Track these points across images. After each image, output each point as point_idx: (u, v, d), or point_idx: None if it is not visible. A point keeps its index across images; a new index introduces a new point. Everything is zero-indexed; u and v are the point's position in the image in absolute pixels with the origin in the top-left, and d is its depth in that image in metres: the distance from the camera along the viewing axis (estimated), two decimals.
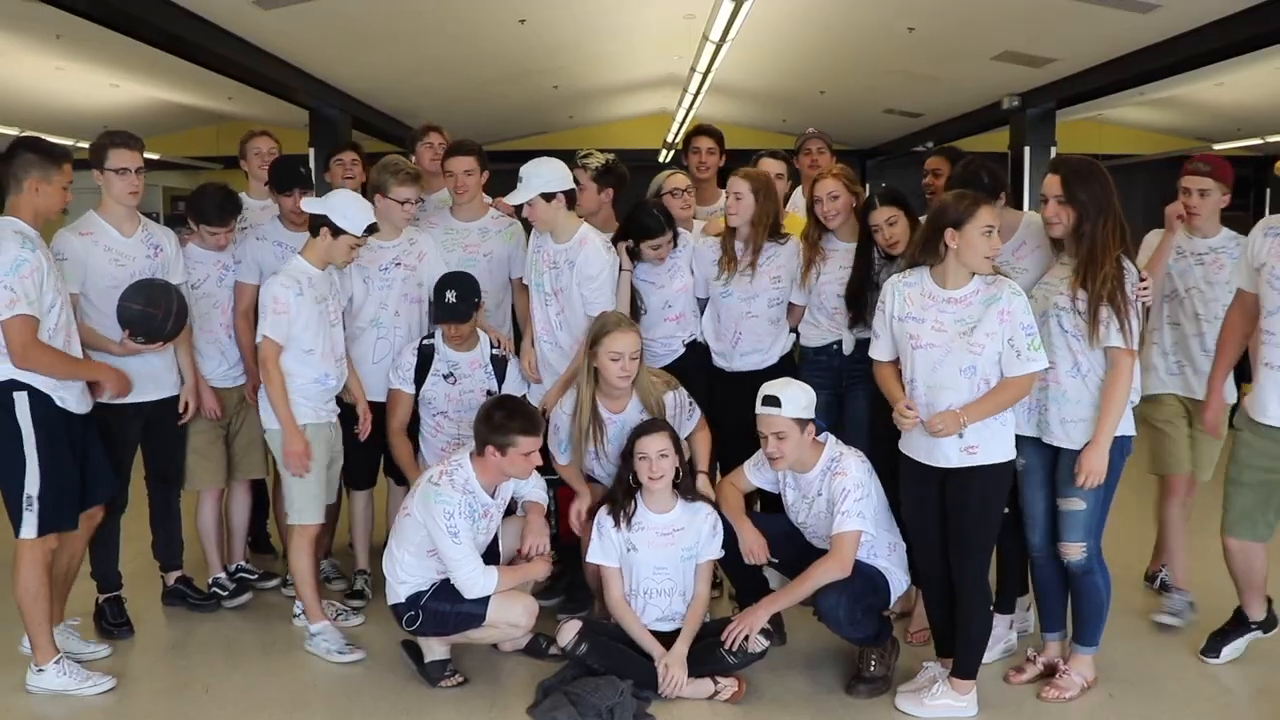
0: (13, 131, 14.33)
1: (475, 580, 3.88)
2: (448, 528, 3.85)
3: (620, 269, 4.58)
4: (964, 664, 3.81)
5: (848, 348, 4.60)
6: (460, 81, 11.88)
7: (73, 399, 3.95)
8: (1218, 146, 15.84)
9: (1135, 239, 4.03)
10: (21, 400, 3.80)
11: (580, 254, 4.44)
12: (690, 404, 4.41)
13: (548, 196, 4.38)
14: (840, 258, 4.57)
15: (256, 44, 8.87)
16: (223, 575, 4.90)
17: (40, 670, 3.95)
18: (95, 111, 13.57)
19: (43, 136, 4.06)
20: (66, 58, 10.91)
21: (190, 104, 13.91)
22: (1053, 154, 11.24)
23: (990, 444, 3.66)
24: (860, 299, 4.42)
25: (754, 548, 4.12)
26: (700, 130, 5.55)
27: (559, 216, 4.44)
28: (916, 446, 3.76)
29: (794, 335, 4.79)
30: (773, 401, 3.94)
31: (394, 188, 4.63)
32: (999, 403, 3.63)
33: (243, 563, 5.05)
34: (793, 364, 4.75)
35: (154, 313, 4.20)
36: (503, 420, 3.95)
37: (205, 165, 14.73)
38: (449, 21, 9.25)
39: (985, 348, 3.61)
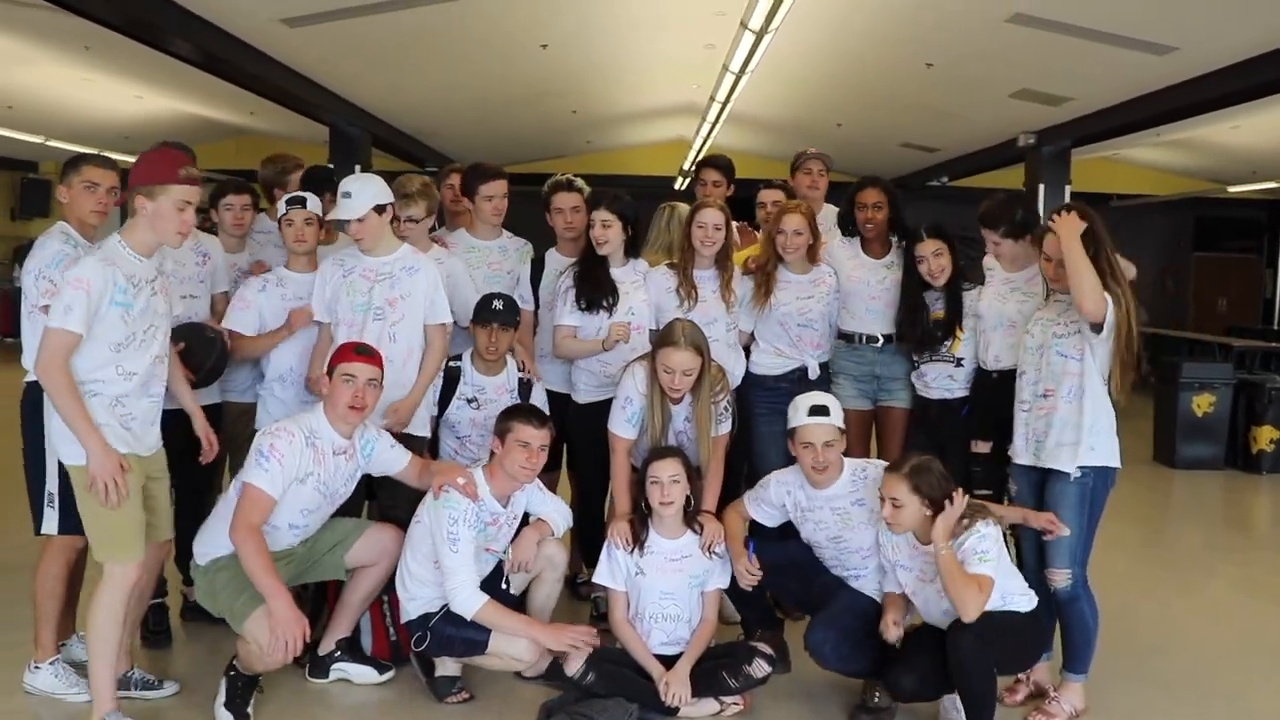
0: (36, 140, 14.50)
1: (463, 593, 3.88)
2: (449, 534, 3.89)
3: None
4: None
5: (813, 373, 4.78)
6: (480, 103, 11.98)
7: None
8: (1233, 189, 15.90)
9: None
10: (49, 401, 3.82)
11: (417, 261, 4.42)
12: (725, 411, 4.40)
13: (380, 209, 4.30)
14: (795, 288, 4.77)
15: (281, 60, 8.97)
16: None
17: (36, 668, 3.99)
18: (118, 122, 13.71)
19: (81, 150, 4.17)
20: (94, 69, 11.03)
21: (212, 117, 14.04)
22: (1067, 192, 11.29)
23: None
24: (916, 328, 4.60)
25: (745, 575, 4.14)
26: (708, 162, 5.56)
27: (385, 231, 4.35)
28: None
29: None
30: (822, 410, 4.02)
31: (402, 208, 4.67)
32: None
33: None
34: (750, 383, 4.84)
35: (191, 363, 4.22)
36: (513, 410, 4.12)
37: (224, 179, 14.84)
38: (472, 44, 9.34)
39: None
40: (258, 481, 3.75)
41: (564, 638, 3.95)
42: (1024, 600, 3.81)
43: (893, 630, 3.86)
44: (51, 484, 3.86)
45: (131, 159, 4.01)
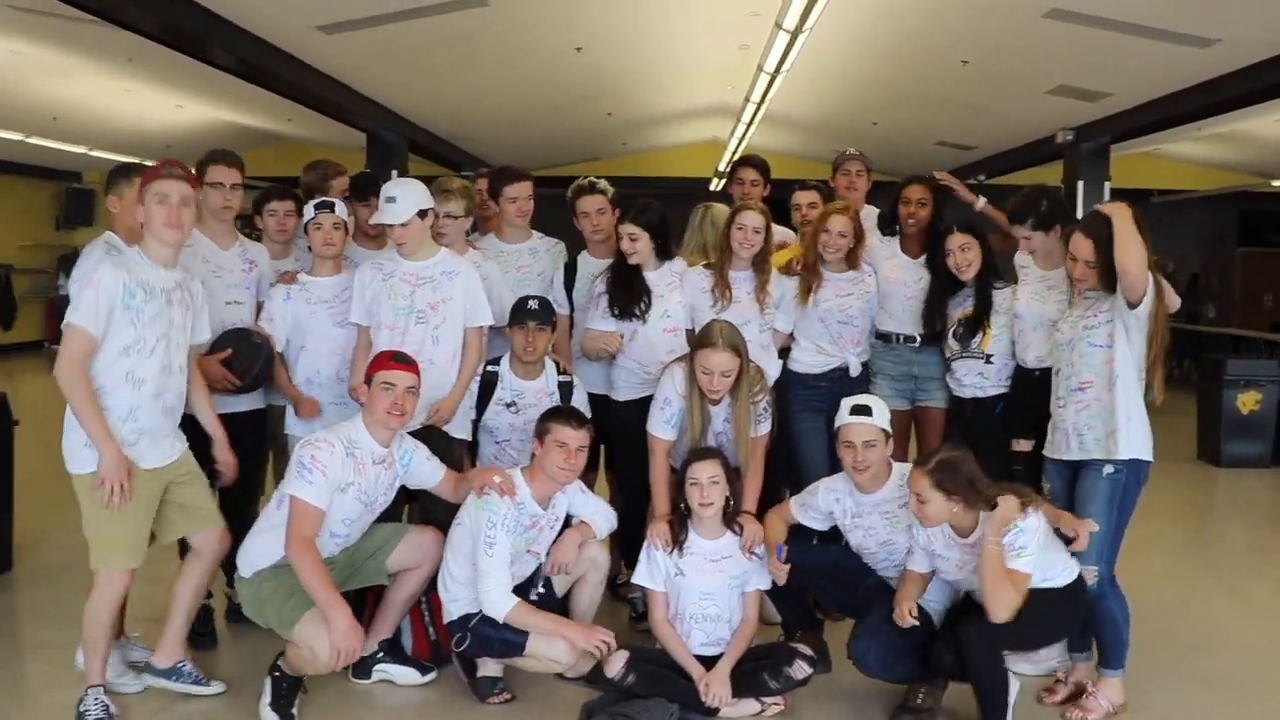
0: (80, 150, 14.73)
1: (493, 595, 3.91)
2: (486, 537, 3.91)
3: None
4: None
5: (854, 370, 4.79)
6: (516, 107, 12.03)
7: None
8: (1277, 183, 15.67)
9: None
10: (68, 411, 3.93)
11: (457, 265, 4.47)
12: (765, 411, 4.40)
13: (423, 213, 4.37)
14: (835, 286, 4.78)
15: (318, 67, 9.06)
16: None
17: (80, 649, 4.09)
18: (160, 132, 13.89)
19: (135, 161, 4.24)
20: (136, 80, 11.19)
21: (250, 125, 14.20)
22: (1107, 189, 11.18)
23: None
24: (937, 321, 4.63)
25: (775, 573, 4.14)
26: (745, 161, 5.56)
27: (426, 235, 4.43)
28: None
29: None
30: (864, 410, 4.02)
31: (440, 203, 4.69)
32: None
33: None
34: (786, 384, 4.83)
35: (235, 367, 4.29)
36: (552, 411, 4.14)
37: (263, 186, 15.00)
38: (506, 48, 9.39)
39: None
40: (303, 494, 3.79)
41: (593, 639, 3.96)
42: (1063, 575, 3.81)
43: (908, 619, 3.82)
44: None
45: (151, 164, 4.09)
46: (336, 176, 5.24)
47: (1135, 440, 3.90)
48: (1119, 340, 3.89)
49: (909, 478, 3.82)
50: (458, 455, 4.52)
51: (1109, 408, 3.90)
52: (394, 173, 11.61)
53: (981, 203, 5.06)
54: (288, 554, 3.77)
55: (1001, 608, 3.59)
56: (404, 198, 4.30)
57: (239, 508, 4.58)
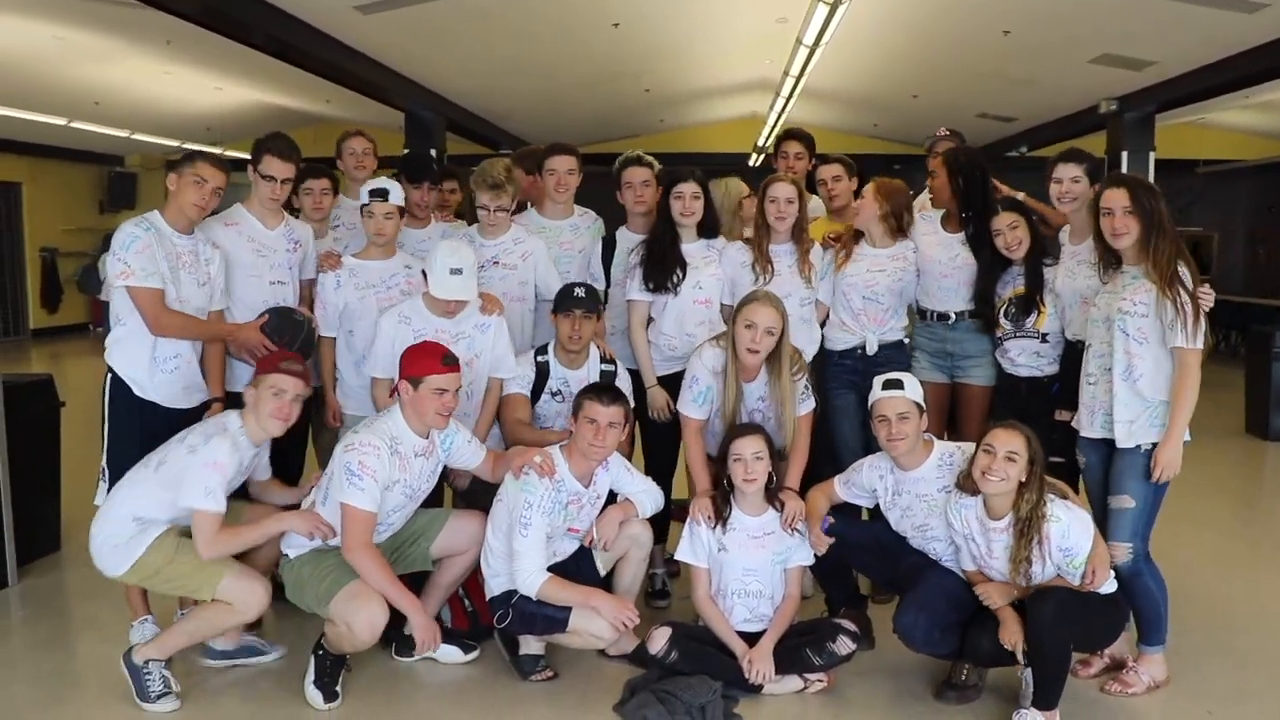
0: (121, 134, 14.87)
1: (524, 573, 3.93)
2: (521, 518, 3.92)
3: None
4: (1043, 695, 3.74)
5: (871, 348, 4.75)
6: (553, 84, 12.02)
7: (160, 393, 4.17)
8: None
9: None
10: (108, 383, 4.17)
11: (488, 319, 4.50)
12: (806, 390, 4.39)
13: None
14: (868, 261, 4.74)
15: (356, 48, 9.09)
16: None
17: (133, 626, 4.30)
18: (198, 114, 13.99)
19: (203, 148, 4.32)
20: (175, 62, 11.27)
21: (289, 106, 14.27)
22: (1151, 160, 11.04)
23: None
24: (989, 305, 4.58)
25: (816, 544, 4.15)
26: (789, 134, 5.55)
27: None
28: None
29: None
30: (895, 384, 4.02)
31: (477, 193, 4.73)
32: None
33: None
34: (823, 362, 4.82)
35: (277, 341, 4.32)
36: (586, 388, 4.15)
37: (303, 165, 15.07)
38: (543, 25, 9.37)
39: None
40: (356, 502, 3.80)
41: (621, 614, 3.95)
42: (1106, 583, 3.78)
43: (1020, 646, 3.75)
44: (104, 459, 4.18)
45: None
46: (345, 139, 5.28)
47: (1167, 425, 3.83)
48: (1149, 337, 3.82)
49: (993, 436, 3.76)
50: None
51: (1138, 397, 3.85)
52: (432, 151, 11.62)
53: (1021, 196, 4.96)
54: (350, 561, 3.82)
55: (1101, 576, 3.70)
56: (469, 268, 4.27)
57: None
